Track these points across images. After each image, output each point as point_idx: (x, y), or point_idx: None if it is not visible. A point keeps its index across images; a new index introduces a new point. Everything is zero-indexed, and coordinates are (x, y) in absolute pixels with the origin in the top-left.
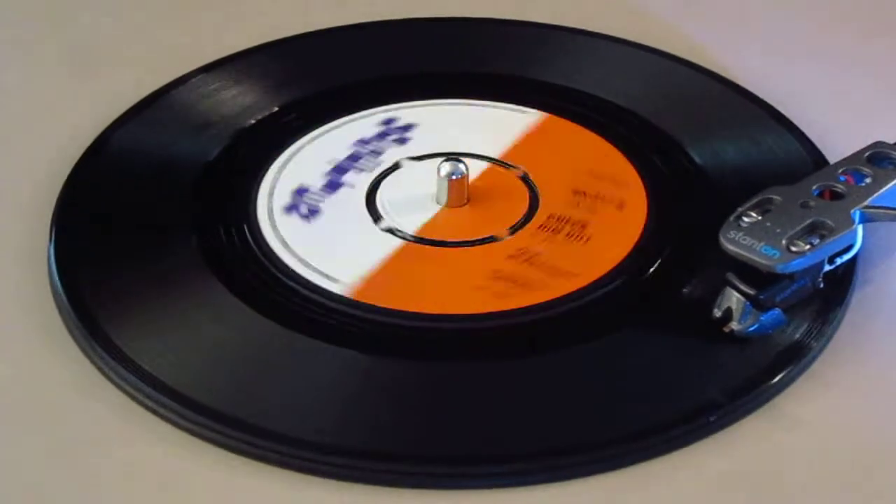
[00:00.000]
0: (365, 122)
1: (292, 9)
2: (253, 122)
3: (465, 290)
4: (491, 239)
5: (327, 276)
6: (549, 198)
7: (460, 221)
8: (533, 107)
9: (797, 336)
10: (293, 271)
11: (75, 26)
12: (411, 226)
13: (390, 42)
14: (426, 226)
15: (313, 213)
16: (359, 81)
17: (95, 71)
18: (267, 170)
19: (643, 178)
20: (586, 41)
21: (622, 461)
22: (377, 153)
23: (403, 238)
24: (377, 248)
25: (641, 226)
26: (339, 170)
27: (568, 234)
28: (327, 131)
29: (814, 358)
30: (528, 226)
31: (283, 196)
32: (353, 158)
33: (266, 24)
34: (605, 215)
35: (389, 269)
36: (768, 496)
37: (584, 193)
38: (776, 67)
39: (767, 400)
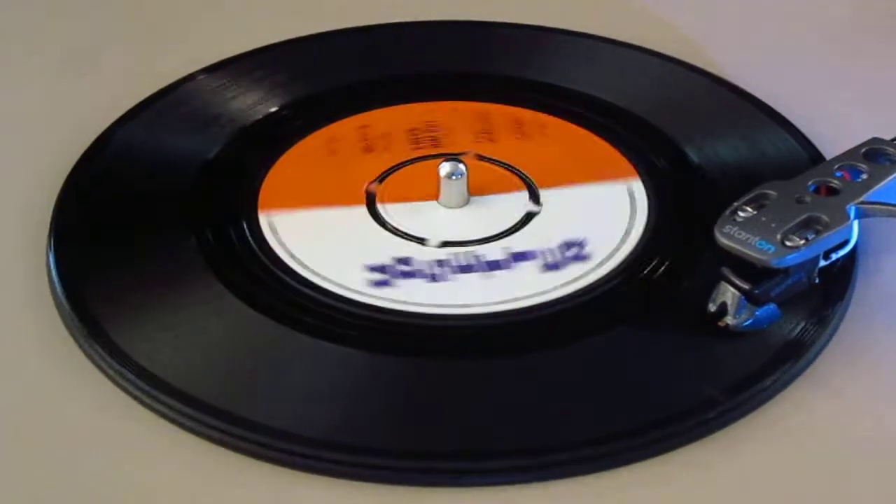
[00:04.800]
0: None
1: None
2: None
3: None
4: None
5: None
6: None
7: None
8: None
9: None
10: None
11: (75, 26)
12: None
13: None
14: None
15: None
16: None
17: (95, 71)
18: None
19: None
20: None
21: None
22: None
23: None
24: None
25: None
26: None
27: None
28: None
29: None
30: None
31: None
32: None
33: (266, 25)
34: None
35: None
36: (768, 495)
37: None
38: (773, 65)
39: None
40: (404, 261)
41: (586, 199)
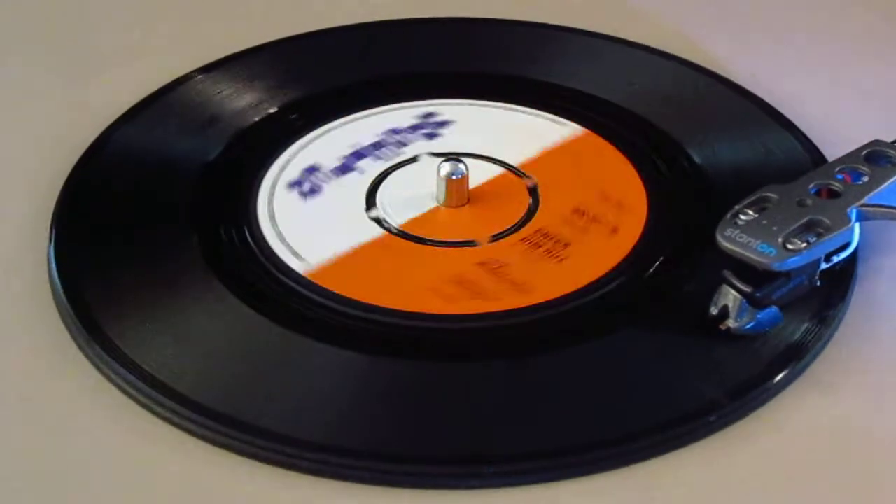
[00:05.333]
0: (404, 113)
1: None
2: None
3: (417, 289)
4: (470, 243)
5: (296, 254)
6: (545, 212)
7: (451, 222)
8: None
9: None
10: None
11: (75, 26)
12: (400, 219)
13: (449, 39)
14: (414, 221)
15: (313, 192)
16: (406, 74)
17: (95, 71)
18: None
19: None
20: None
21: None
22: (402, 144)
23: (386, 229)
24: (357, 234)
25: (623, 255)
26: (357, 155)
27: (547, 251)
28: (364, 117)
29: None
30: (512, 236)
31: (294, 171)
32: (377, 146)
33: (266, 24)
34: (592, 238)
35: (357, 257)
36: (768, 495)
37: (584, 213)
38: (775, 67)
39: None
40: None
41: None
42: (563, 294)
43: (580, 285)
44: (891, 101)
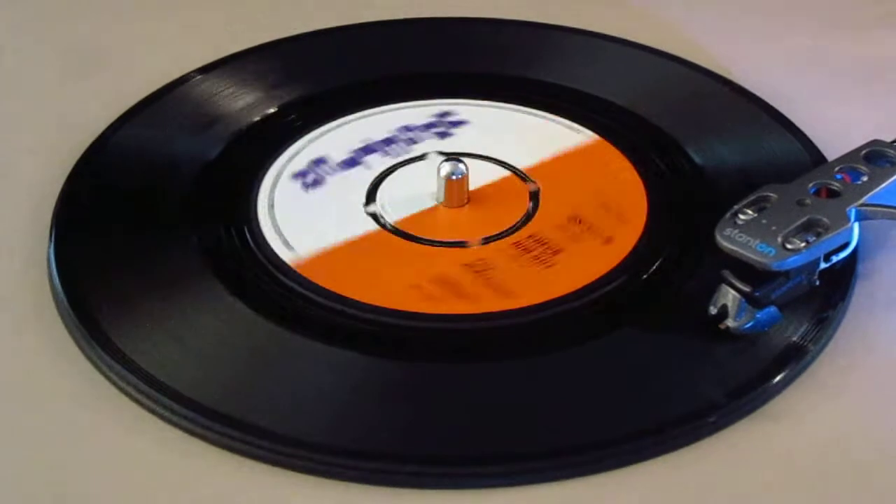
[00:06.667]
0: (420, 112)
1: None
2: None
3: (399, 286)
4: (461, 244)
5: (286, 244)
6: (542, 218)
7: (447, 222)
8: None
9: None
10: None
11: (75, 26)
12: (397, 216)
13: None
14: (411, 218)
15: (316, 183)
16: (427, 73)
17: (95, 71)
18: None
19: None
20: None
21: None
22: (413, 142)
23: (382, 225)
24: (350, 228)
25: (612, 265)
26: (367, 150)
27: (535, 257)
28: (380, 112)
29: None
30: (503, 240)
31: (301, 162)
32: (387, 142)
33: (266, 24)
34: (584, 247)
35: (345, 251)
36: (768, 496)
37: (580, 221)
38: (775, 67)
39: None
40: None
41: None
42: (548, 299)
43: (564, 292)
44: (890, 102)
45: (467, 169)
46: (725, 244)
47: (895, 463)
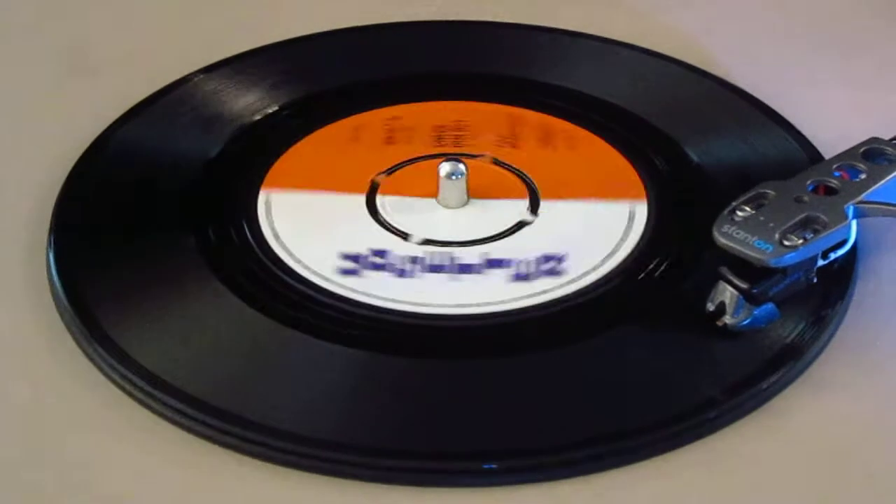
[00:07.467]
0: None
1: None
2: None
3: None
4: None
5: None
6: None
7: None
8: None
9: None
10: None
11: (75, 26)
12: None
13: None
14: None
15: None
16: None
17: (95, 71)
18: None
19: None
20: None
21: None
22: None
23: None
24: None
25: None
26: None
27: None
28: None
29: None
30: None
31: None
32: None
33: (266, 24)
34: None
35: None
36: (767, 495)
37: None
38: (772, 65)
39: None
40: (380, 253)
41: (584, 215)
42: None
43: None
44: (888, 99)
45: (467, 169)
46: (723, 241)
47: (895, 463)
